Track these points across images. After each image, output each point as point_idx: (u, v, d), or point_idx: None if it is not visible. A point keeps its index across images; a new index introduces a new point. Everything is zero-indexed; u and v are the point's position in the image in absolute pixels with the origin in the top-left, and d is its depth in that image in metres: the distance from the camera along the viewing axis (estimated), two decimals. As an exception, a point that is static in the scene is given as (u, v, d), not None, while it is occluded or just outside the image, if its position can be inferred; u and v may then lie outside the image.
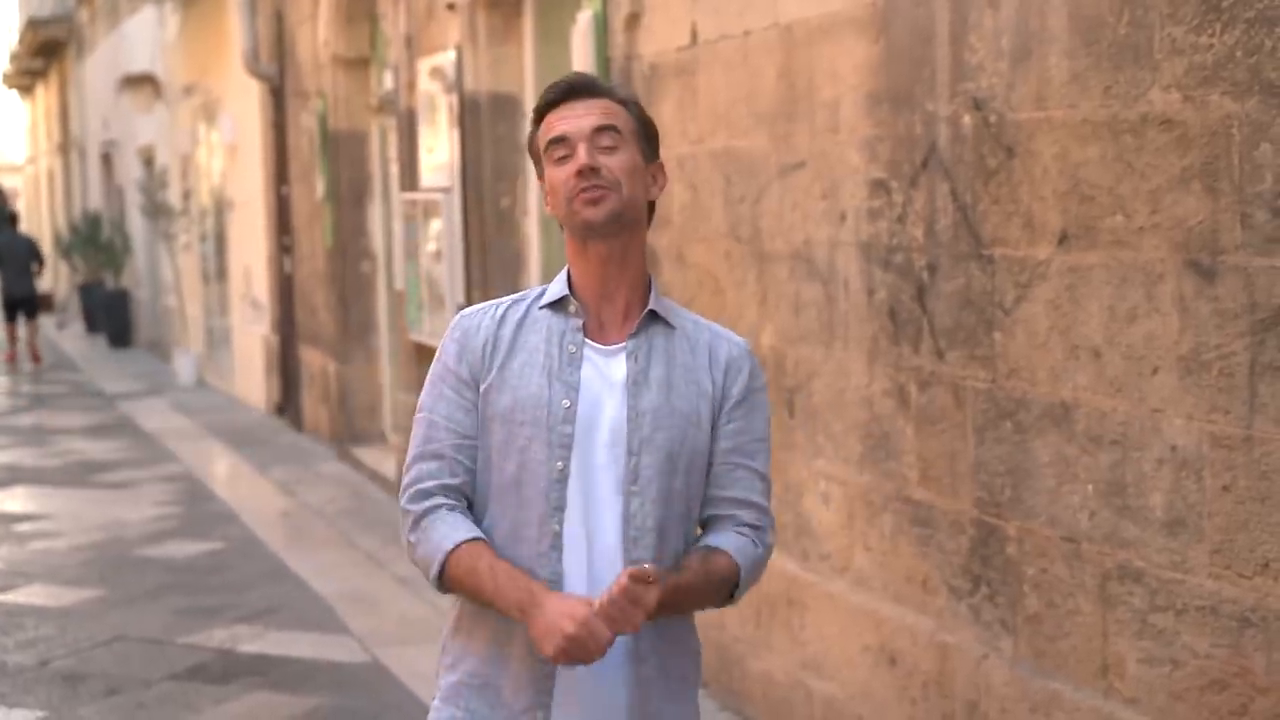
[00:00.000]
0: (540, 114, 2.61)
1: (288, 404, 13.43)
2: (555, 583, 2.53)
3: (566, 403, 2.54)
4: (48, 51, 29.95)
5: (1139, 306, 3.53)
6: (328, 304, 11.95)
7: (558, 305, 2.61)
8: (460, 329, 2.64)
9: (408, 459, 2.66)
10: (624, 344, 2.59)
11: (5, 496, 10.63)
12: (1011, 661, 4.05)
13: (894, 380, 4.54)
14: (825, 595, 4.93)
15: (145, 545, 8.85)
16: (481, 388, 2.59)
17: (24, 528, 9.49)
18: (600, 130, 2.54)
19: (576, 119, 2.55)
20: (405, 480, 2.64)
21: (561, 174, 2.55)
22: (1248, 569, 3.25)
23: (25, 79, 35.38)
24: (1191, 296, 3.37)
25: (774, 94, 5.10)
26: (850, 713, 4.81)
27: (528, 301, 2.65)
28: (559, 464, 2.54)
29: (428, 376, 2.68)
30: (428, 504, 2.59)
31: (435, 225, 8.78)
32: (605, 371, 2.58)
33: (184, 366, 16.89)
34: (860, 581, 4.78)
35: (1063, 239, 3.78)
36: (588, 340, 2.59)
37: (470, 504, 2.62)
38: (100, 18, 23.61)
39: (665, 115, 5.76)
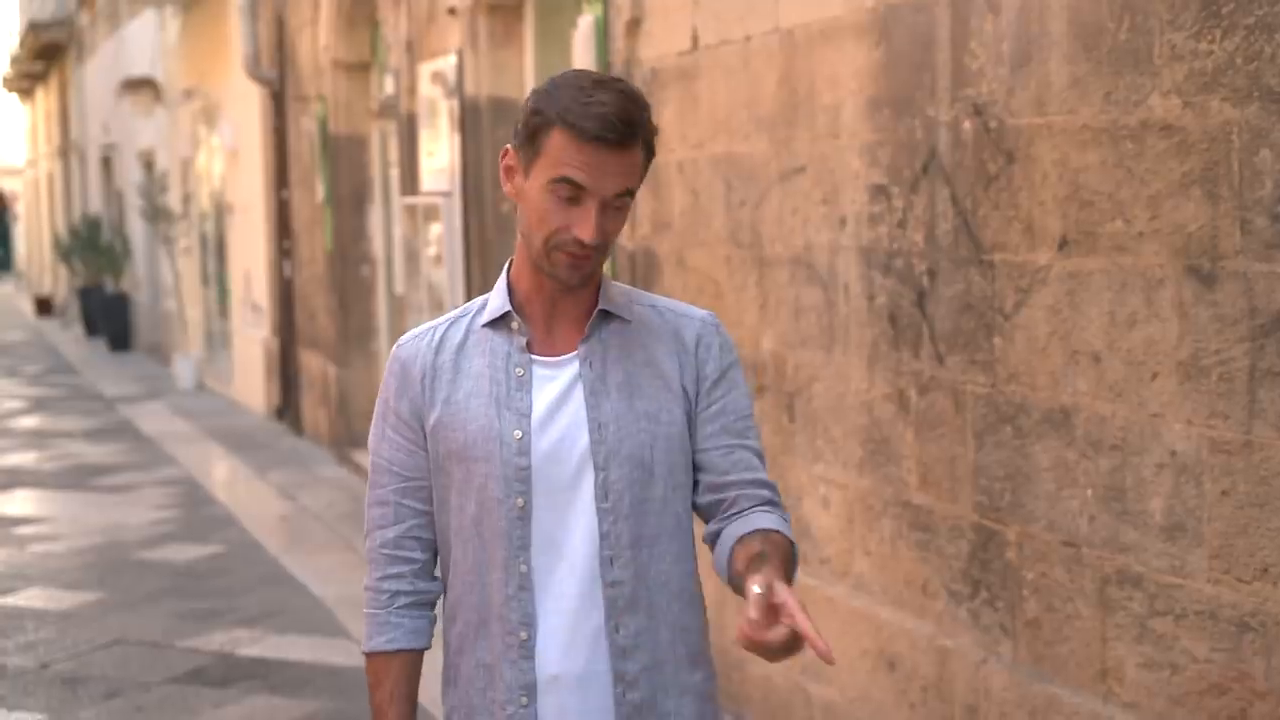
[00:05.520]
0: (565, 121, 2.25)
1: (287, 408, 13.43)
2: (528, 625, 2.35)
3: (518, 433, 2.34)
4: (48, 55, 29.97)
5: (1139, 312, 3.54)
6: (328, 308, 11.95)
7: (499, 322, 2.40)
8: (398, 361, 2.44)
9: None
10: (576, 352, 2.38)
11: (5, 499, 10.63)
12: (1011, 666, 4.06)
13: (894, 385, 4.54)
14: (825, 599, 4.94)
15: (145, 549, 8.85)
16: (428, 424, 2.40)
17: (24, 531, 9.50)
18: (620, 195, 2.29)
19: (602, 178, 2.26)
20: (366, 517, 2.50)
21: (557, 212, 2.28)
22: (1247, 574, 3.26)
23: (25, 82, 35.38)
24: (1191, 302, 3.38)
25: (774, 99, 5.10)
26: (850, 717, 4.81)
27: (468, 318, 2.44)
28: (518, 500, 2.34)
29: (375, 408, 2.49)
30: (377, 577, 2.46)
31: (435, 229, 8.80)
32: (560, 386, 2.37)
33: (184, 370, 16.89)
34: (860, 586, 4.78)
35: (1063, 244, 3.79)
36: (535, 357, 2.38)
37: (429, 543, 2.45)
38: (101, 21, 23.62)
39: (666, 120, 5.76)
